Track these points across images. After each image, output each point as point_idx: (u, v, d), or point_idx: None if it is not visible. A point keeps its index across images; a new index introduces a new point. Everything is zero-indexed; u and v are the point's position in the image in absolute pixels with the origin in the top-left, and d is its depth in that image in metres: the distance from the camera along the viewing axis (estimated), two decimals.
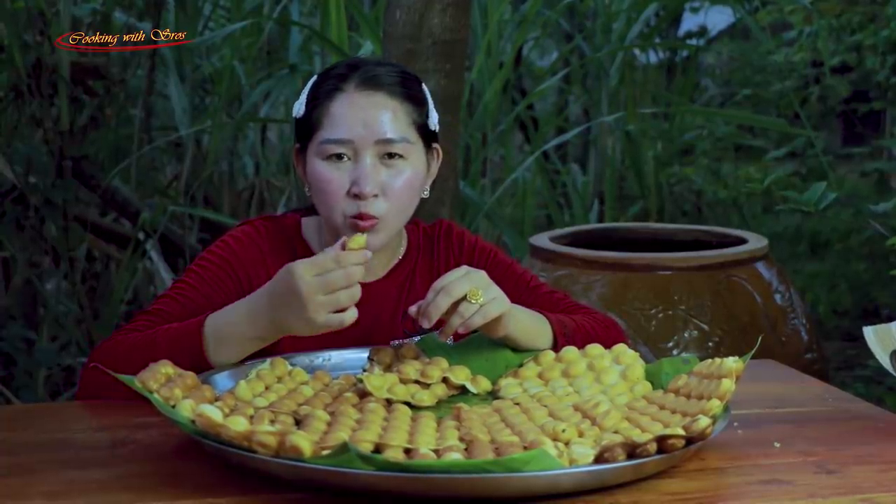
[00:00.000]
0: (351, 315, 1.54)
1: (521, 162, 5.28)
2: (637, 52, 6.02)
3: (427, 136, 1.78)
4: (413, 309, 1.61)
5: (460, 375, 1.63)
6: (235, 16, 4.97)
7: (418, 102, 1.76)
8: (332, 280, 1.51)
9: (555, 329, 1.74)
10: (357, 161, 1.71)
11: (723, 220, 6.32)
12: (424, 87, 1.80)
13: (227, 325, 1.61)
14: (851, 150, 7.43)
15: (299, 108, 1.76)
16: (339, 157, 1.71)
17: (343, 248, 1.55)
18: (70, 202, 3.76)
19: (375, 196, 1.70)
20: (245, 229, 1.82)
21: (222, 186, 4.93)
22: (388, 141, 1.71)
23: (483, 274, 1.62)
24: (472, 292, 1.58)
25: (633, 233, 3.60)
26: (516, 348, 1.72)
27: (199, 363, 1.59)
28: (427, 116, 1.78)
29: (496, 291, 1.62)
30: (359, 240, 1.57)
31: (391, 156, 1.72)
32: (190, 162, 4.53)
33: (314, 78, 1.78)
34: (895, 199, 3.85)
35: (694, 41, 7.03)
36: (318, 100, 1.74)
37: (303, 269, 1.52)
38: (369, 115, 1.70)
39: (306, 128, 1.75)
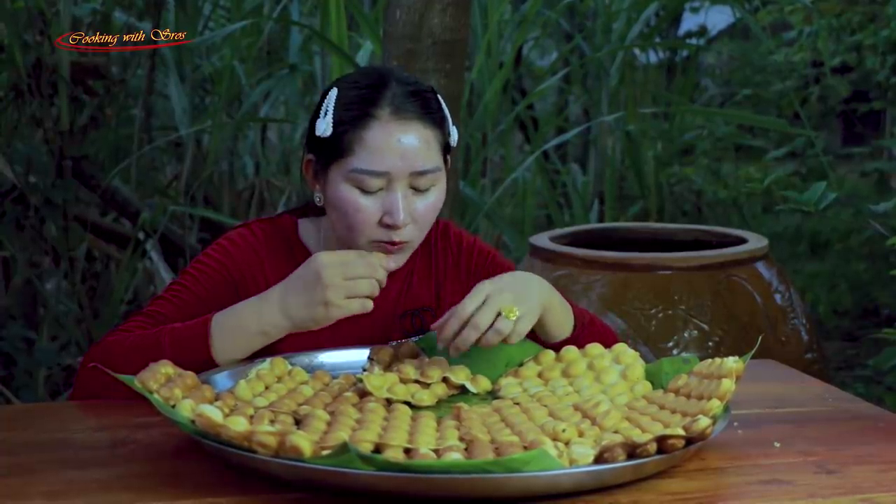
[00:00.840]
0: (368, 303, 1.61)
1: (521, 162, 5.28)
2: (637, 51, 6.02)
3: (447, 152, 1.78)
4: (439, 338, 1.60)
5: (460, 375, 1.63)
6: (235, 16, 4.98)
7: (442, 124, 1.74)
8: (352, 267, 1.59)
9: (576, 317, 1.76)
10: (389, 190, 1.69)
11: (723, 220, 6.32)
12: (441, 100, 1.77)
13: (234, 320, 1.63)
14: (851, 150, 7.43)
15: (326, 128, 1.70)
16: (372, 186, 1.69)
17: None
18: (70, 202, 3.76)
19: (406, 224, 1.71)
20: (241, 232, 1.82)
21: (222, 186, 4.93)
22: (423, 173, 1.69)
23: (511, 288, 1.60)
24: (506, 310, 1.58)
25: (633, 233, 3.59)
26: (545, 334, 1.73)
27: (204, 361, 1.60)
28: (449, 135, 1.77)
29: (527, 304, 1.60)
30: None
31: (422, 185, 1.71)
32: (190, 162, 4.53)
33: (334, 92, 1.73)
34: (895, 199, 3.85)
35: (694, 41, 7.02)
36: (347, 124, 1.69)
37: (325, 256, 1.60)
38: (405, 147, 1.68)
39: (333, 149, 1.71)
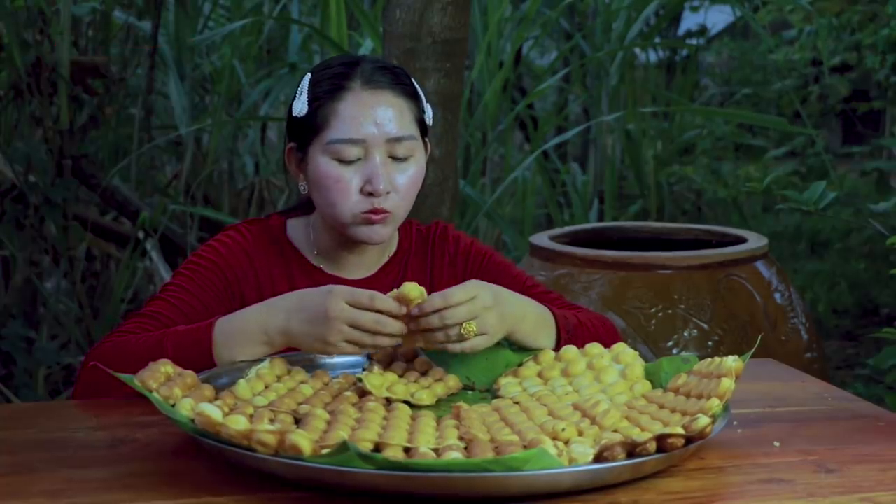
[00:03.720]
0: (361, 351, 1.58)
1: (521, 161, 5.28)
2: (637, 51, 6.03)
3: (423, 131, 1.81)
4: (415, 311, 1.58)
5: (437, 389, 1.62)
6: (235, 14, 4.98)
7: (416, 97, 1.80)
8: (361, 319, 1.55)
9: (558, 324, 1.75)
10: (367, 159, 1.73)
11: (723, 219, 6.32)
12: (414, 80, 1.83)
13: (239, 328, 1.63)
14: (851, 149, 7.44)
15: (302, 107, 1.76)
16: (350, 155, 1.72)
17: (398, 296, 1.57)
18: (70, 201, 3.76)
19: (387, 193, 1.73)
20: (230, 233, 1.85)
21: (222, 185, 4.93)
22: (398, 139, 1.73)
23: (488, 297, 1.60)
24: (466, 326, 1.57)
25: (633, 232, 3.59)
26: (519, 345, 1.73)
27: (206, 366, 1.61)
28: (423, 111, 1.81)
29: (490, 324, 1.60)
30: (412, 289, 1.57)
31: (399, 152, 1.74)
32: (190, 161, 4.53)
33: (309, 76, 1.79)
34: (895, 198, 3.85)
35: (694, 40, 7.03)
36: (322, 99, 1.74)
37: (339, 293, 1.56)
38: (379, 114, 1.73)
39: (309, 127, 1.76)
